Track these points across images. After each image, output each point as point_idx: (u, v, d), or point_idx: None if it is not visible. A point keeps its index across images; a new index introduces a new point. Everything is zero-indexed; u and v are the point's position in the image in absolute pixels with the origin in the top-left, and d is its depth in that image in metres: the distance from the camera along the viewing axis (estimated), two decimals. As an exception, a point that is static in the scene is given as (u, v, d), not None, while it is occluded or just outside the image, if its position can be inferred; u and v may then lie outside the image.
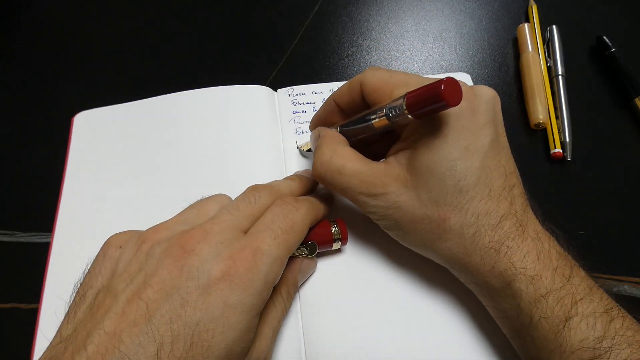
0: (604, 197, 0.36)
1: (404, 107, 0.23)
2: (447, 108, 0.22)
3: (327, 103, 0.32)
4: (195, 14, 0.46)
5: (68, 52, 0.44)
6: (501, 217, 0.24)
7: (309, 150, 0.36)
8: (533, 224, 0.25)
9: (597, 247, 0.33)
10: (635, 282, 0.32)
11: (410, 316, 0.30)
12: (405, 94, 0.23)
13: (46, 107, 0.41)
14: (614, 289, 0.32)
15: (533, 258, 0.24)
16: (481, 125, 0.25)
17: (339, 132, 0.30)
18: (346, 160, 0.27)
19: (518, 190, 0.26)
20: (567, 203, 0.35)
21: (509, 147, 0.27)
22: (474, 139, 0.24)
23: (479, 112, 0.25)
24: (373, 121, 0.26)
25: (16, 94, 0.42)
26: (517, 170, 0.27)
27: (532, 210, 0.26)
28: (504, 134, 0.27)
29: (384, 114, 0.25)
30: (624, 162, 0.37)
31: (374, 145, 0.32)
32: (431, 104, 0.22)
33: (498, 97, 0.27)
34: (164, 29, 0.45)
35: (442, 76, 0.22)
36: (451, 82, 0.21)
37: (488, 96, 0.26)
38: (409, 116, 0.23)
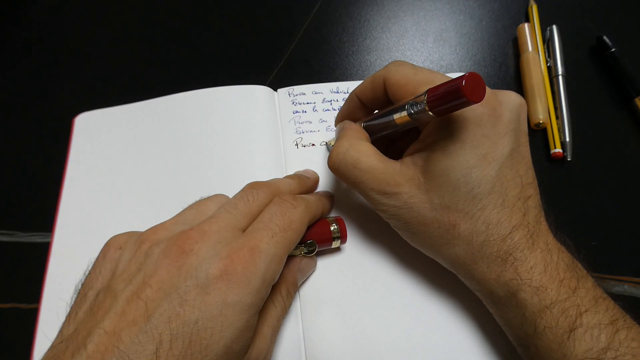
0: (604, 197, 0.36)
1: (425, 104, 0.23)
2: (468, 105, 0.21)
3: (350, 99, 0.31)
4: (195, 14, 0.46)
5: (69, 53, 0.44)
6: (512, 228, 0.24)
7: None
8: (545, 236, 0.25)
9: (597, 247, 0.33)
10: (635, 282, 0.32)
11: (411, 316, 0.30)
12: (427, 90, 0.23)
13: (47, 108, 0.41)
14: (614, 289, 0.32)
15: (540, 270, 0.24)
16: (502, 133, 0.24)
17: (363, 127, 0.30)
18: (362, 155, 0.27)
19: (533, 202, 0.25)
20: (567, 203, 0.35)
21: (530, 158, 0.26)
22: (492, 147, 0.24)
23: (501, 120, 0.24)
24: (395, 117, 0.26)
25: (17, 94, 0.42)
26: (535, 182, 0.26)
27: (547, 220, 0.26)
28: (527, 143, 0.26)
29: (405, 110, 0.25)
30: (624, 162, 0.37)
31: (399, 141, 0.32)
32: (452, 100, 0.21)
33: (525, 104, 0.26)
34: (164, 30, 0.45)
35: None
36: (473, 77, 0.20)
37: (513, 104, 0.25)
38: (430, 113, 0.23)
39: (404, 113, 0.25)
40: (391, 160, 0.27)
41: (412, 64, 0.27)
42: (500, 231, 0.24)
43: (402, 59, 0.43)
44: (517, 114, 0.25)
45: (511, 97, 0.25)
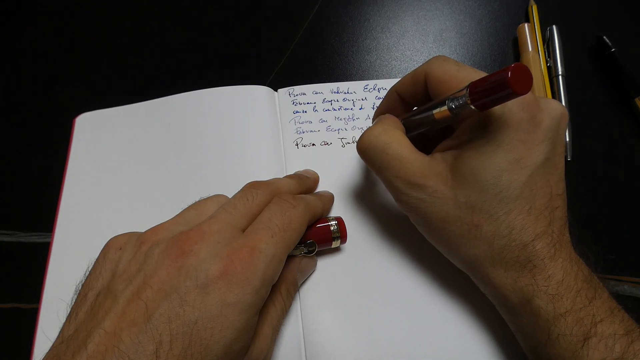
0: (604, 197, 0.36)
1: (467, 97, 0.22)
2: (513, 97, 0.20)
3: (389, 94, 0.31)
4: (195, 15, 0.46)
5: (70, 54, 0.44)
6: (536, 236, 0.24)
7: None
8: (566, 248, 0.25)
9: (596, 247, 0.33)
10: (635, 282, 0.32)
11: (411, 315, 0.30)
12: (469, 83, 0.22)
13: (48, 108, 0.41)
14: (614, 289, 0.32)
15: (558, 279, 0.23)
16: (539, 141, 0.24)
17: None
18: (393, 141, 0.27)
19: (560, 213, 0.25)
20: (566, 203, 0.35)
21: (563, 169, 0.26)
22: (527, 153, 0.24)
23: (540, 127, 0.24)
24: (434, 112, 0.25)
25: (18, 94, 0.42)
26: (565, 194, 0.26)
27: (570, 232, 0.26)
28: (562, 154, 0.26)
29: (446, 104, 0.24)
30: (624, 162, 0.37)
31: (435, 141, 0.32)
32: (496, 92, 0.20)
33: (567, 114, 0.25)
34: (164, 31, 0.45)
35: None
36: (519, 68, 0.19)
37: (555, 112, 0.24)
38: (472, 106, 0.22)
39: (444, 107, 0.24)
40: (421, 152, 0.27)
41: (456, 60, 0.27)
42: (522, 237, 0.24)
43: (402, 59, 0.43)
44: (557, 123, 0.25)
45: (554, 106, 0.25)
